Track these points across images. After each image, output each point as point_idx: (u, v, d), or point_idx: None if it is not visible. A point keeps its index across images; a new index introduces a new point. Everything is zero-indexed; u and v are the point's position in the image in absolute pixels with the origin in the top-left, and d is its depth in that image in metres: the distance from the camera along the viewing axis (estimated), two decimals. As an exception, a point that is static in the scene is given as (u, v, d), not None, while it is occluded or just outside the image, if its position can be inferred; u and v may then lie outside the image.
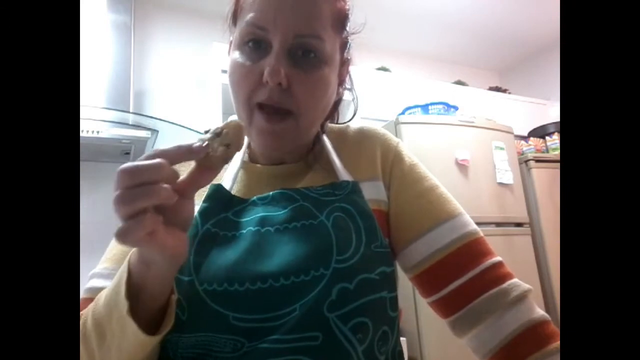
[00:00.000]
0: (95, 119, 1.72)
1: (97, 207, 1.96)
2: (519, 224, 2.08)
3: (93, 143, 1.76)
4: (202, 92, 2.34)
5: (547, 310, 2.03)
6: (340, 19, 0.57)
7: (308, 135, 0.58)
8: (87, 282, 0.55)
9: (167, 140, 1.95)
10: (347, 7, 0.58)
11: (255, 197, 0.54)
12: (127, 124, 1.81)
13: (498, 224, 1.98)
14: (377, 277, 0.49)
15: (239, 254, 0.49)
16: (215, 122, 2.00)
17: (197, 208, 0.53)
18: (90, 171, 2.00)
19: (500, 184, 2.06)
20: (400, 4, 2.60)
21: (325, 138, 0.63)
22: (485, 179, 2.03)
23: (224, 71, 2.05)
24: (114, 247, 0.57)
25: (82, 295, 0.54)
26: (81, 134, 1.67)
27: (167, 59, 2.37)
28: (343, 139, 0.64)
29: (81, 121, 1.65)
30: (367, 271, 0.49)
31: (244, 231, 0.51)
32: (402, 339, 2.00)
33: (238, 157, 0.60)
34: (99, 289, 0.52)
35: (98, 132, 1.70)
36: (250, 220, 0.52)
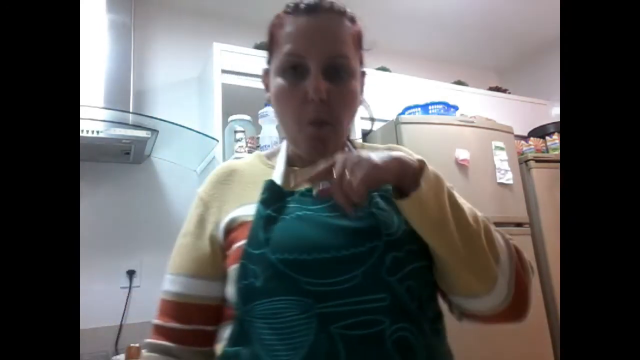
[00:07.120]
0: (95, 119, 1.71)
1: (97, 207, 1.96)
2: (519, 224, 2.07)
3: (93, 143, 1.75)
4: (202, 92, 2.34)
5: (547, 310, 2.03)
6: (359, 39, 0.70)
7: (343, 138, 0.70)
8: (166, 282, 0.68)
9: (167, 140, 1.94)
10: (362, 28, 0.71)
11: (304, 189, 0.65)
12: (127, 124, 1.80)
13: (498, 224, 1.97)
14: (418, 248, 0.59)
15: (301, 230, 0.58)
16: (215, 121, 1.99)
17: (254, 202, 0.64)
18: (90, 171, 1.99)
19: (500, 184, 2.06)
20: (400, 4, 2.60)
21: (349, 143, 0.75)
22: (485, 179, 2.03)
23: (224, 71, 2.05)
24: (177, 255, 0.69)
25: (162, 296, 0.67)
26: (81, 134, 1.66)
27: (167, 59, 2.36)
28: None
29: (81, 121, 1.65)
30: (411, 243, 0.59)
31: (301, 214, 0.61)
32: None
33: (281, 162, 0.71)
34: (175, 293, 0.66)
35: (98, 132, 1.70)
36: (302, 207, 0.62)
